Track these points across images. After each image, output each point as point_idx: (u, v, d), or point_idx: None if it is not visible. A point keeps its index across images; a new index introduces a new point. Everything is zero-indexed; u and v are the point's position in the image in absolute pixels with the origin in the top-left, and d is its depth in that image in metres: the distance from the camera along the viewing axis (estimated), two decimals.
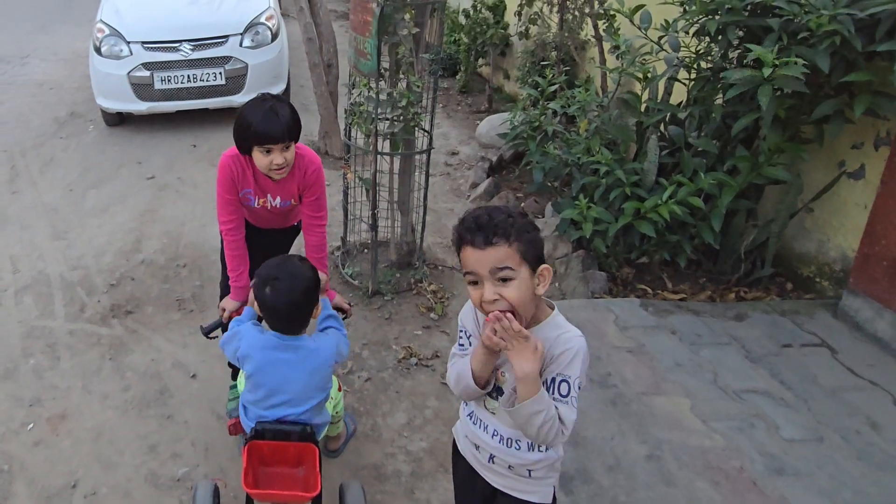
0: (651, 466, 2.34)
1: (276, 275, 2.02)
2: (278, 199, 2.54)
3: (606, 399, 2.64)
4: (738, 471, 2.31)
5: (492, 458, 1.62)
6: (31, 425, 2.87)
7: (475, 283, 1.44)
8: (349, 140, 3.65)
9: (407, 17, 3.07)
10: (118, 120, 6.24)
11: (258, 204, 2.54)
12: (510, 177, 4.99)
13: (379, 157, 3.40)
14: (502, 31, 6.35)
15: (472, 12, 6.47)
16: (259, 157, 2.33)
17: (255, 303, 2.12)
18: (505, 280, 1.40)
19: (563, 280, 3.52)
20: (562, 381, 1.47)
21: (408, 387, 3.00)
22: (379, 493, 2.47)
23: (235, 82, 5.90)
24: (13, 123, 6.31)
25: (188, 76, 5.77)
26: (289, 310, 2.03)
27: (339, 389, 2.52)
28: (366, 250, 3.89)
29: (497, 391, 1.59)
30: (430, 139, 3.55)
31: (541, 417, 1.43)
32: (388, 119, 3.29)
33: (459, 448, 1.74)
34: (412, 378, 3.04)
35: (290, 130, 2.31)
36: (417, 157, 3.59)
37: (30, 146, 5.80)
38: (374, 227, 3.48)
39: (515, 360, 1.42)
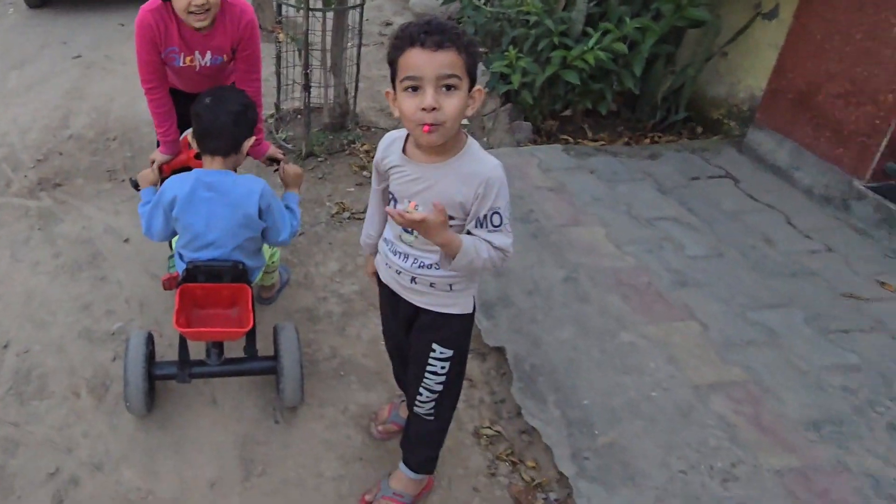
0: (567, 287, 2.57)
1: (213, 92, 2.09)
2: (208, 56, 2.37)
3: (528, 233, 2.86)
4: (647, 285, 2.57)
5: (413, 279, 1.66)
6: None
7: (414, 89, 1.39)
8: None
9: None
10: (40, 2, 6.08)
11: (184, 62, 2.38)
12: None
13: (312, 17, 3.40)
14: None
15: None
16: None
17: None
18: (449, 89, 1.38)
19: (491, 134, 3.71)
20: (493, 213, 1.51)
21: (340, 238, 3.15)
22: (312, 333, 2.62)
23: None
24: None
25: None
26: (220, 126, 2.05)
27: None
28: (299, 115, 3.97)
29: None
30: None
31: (477, 261, 1.50)
32: None
33: (382, 278, 1.78)
34: (345, 230, 3.19)
35: None
36: (350, 15, 3.61)
37: None
38: (306, 87, 3.55)
39: (428, 235, 1.46)
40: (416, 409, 1.81)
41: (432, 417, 1.80)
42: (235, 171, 2.17)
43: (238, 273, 2.12)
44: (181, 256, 2.18)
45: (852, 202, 2.96)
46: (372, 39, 5.13)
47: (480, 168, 1.50)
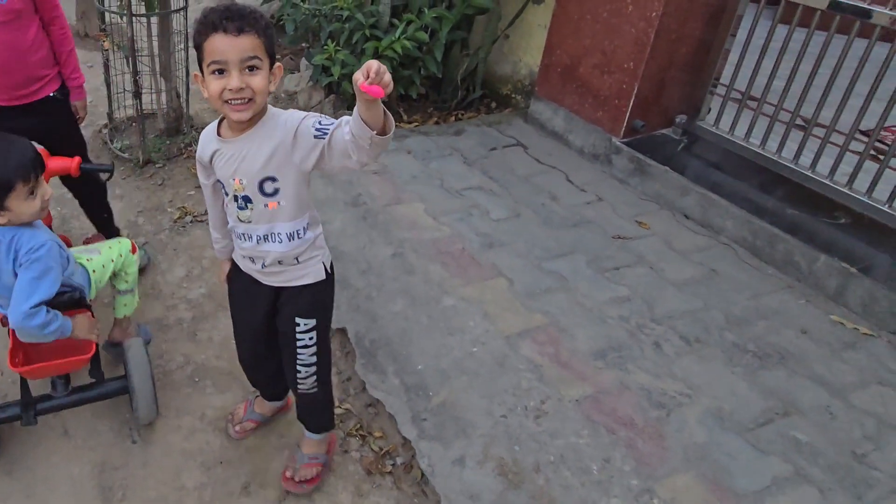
0: (395, 262, 2.46)
1: None
2: None
3: (358, 215, 2.69)
4: (461, 251, 2.51)
5: (264, 263, 1.53)
6: None
7: (220, 72, 1.31)
8: (103, 6, 3.10)
9: None
10: None
11: None
12: None
13: (136, 22, 2.94)
14: None
15: None
16: None
17: None
18: (252, 69, 1.31)
19: None
20: (316, 122, 1.35)
21: (185, 243, 2.78)
22: (164, 343, 2.28)
23: None
24: None
25: None
26: None
27: (134, 251, 2.08)
28: (133, 123, 3.45)
29: (245, 200, 1.46)
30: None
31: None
32: None
33: (242, 268, 1.60)
34: (188, 234, 2.83)
35: None
36: (176, 20, 3.15)
37: None
38: (137, 94, 3.07)
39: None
40: (299, 388, 1.67)
41: (316, 389, 1.68)
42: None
43: (74, 301, 1.78)
44: None
45: (613, 156, 3.05)
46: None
47: (283, 123, 1.38)
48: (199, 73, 1.37)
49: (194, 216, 2.93)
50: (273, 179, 1.41)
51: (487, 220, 2.68)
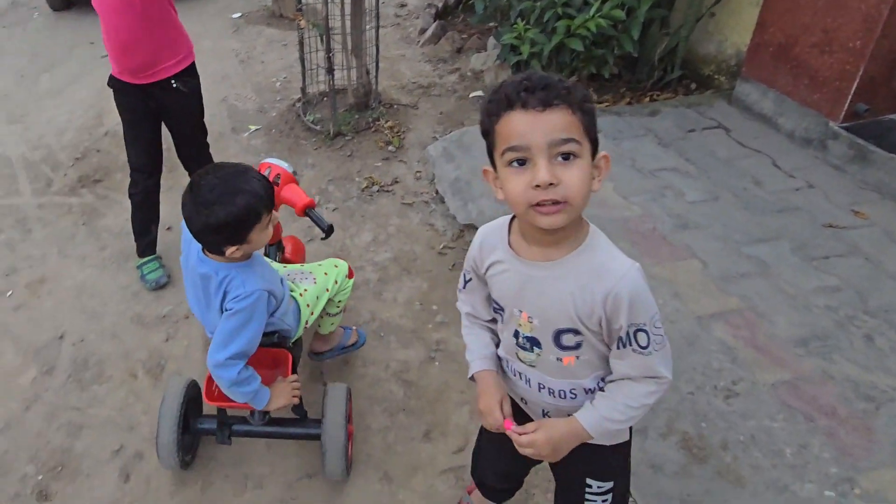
0: None
1: (200, 187, 1.64)
2: None
3: None
4: (652, 231, 2.82)
5: (545, 412, 1.37)
6: (10, 292, 3.02)
7: (521, 162, 1.09)
8: None
9: None
10: (64, 4, 6.20)
11: None
12: (455, 21, 5.24)
13: (331, 3, 3.55)
14: None
15: None
16: None
17: None
18: (567, 157, 1.07)
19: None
20: (636, 331, 1.16)
21: (371, 211, 3.34)
22: (352, 300, 2.74)
23: None
24: None
25: None
26: (196, 230, 1.69)
27: (351, 275, 2.30)
28: (325, 98, 4.19)
29: (531, 342, 1.28)
30: None
31: (617, 425, 1.22)
32: None
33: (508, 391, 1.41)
34: (375, 203, 3.40)
35: None
36: (367, 0, 3.75)
37: None
38: (330, 70, 3.74)
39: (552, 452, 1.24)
40: None
41: None
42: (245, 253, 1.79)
43: (272, 342, 1.96)
44: None
45: (829, 142, 3.20)
46: (389, 21, 5.32)
47: (606, 274, 1.15)
48: (490, 168, 1.18)
49: (380, 186, 3.53)
50: (576, 333, 1.22)
51: (682, 201, 2.97)
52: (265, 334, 1.86)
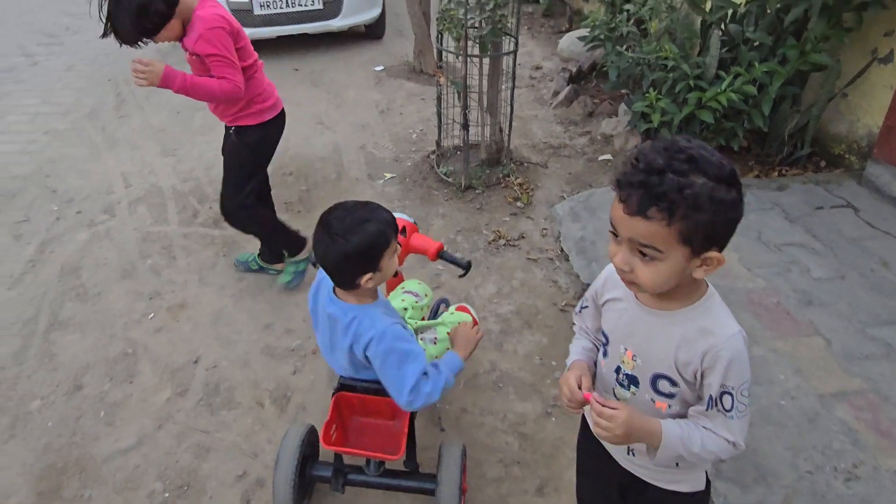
0: None
1: (328, 221, 1.80)
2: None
3: None
4: (776, 305, 3.00)
5: (631, 450, 1.50)
6: (153, 315, 3.33)
7: (615, 234, 1.22)
8: (441, 46, 4.19)
9: None
10: None
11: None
12: (588, 86, 5.64)
13: (469, 61, 3.92)
14: None
15: None
16: None
17: None
18: (645, 256, 1.19)
19: (612, 181, 4.20)
20: (724, 393, 1.28)
21: (497, 263, 3.60)
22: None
23: (332, 7, 6.55)
24: (116, 55, 7.07)
25: (287, 1, 6.41)
26: (329, 265, 1.83)
27: (475, 323, 2.44)
28: (458, 152, 4.63)
29: (630, 380, 1.42)
30: (516, 41, 4.08)
31: (687, 455, 1.31)
32: (476, 27, 3.79)
33: (592, 429, 1.43)
34: (501, 256, 3.67)
35: (127, 38, 2.64)
36: (504, 61, 4.13)
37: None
38: (465, 126, 4.13)
39: (623, 434, 1.30)
40: None
41: None
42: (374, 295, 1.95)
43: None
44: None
45: None
46: (523, 82, 5.78)
47: (712, 332, 1.27)
48: None
49: (507, 240, 3.86)
50: (673, 383, 1.35)
51: (807, 277, 3.14)
52: (376, 381, 1.97)
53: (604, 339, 1.45)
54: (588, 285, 3.32)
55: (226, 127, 3.16)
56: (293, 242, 3.48)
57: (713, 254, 1.18)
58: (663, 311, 1.32)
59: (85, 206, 4.43)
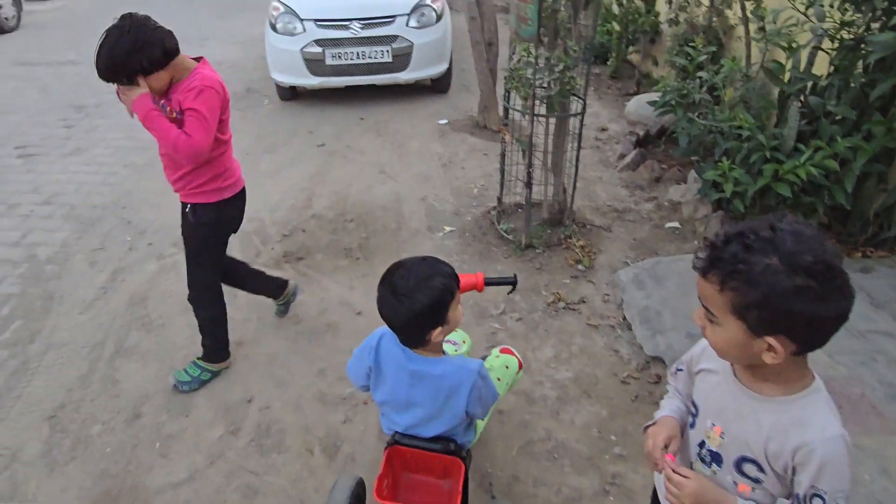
0: None
1: (392, 280, 1.82)
2: (162, 101, 2.68)
3: None
4: (860, 396, 2.78)
5: None
6: None
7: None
8: (508, 104, 4.18)
9: None
10: (291, 94, 7.24)
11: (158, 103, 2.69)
12: (656, 150, 5.53)
13: (535, 120, 3.90)
14: (653, 18, 6.86)
15: (624, 2, 7.06)
16: None
17: None
18: (710, 317, 1.24)
19: (703, 239, 4.03)
20: (814, 496, 1.21)
21: (556, 326, 3.50)
22: (528, 414, 2.89)
23: (401, 60, 6.71)
24: None
25: (357, 53, 6.62)
26: (399, 325, 1.85)
27: (521, 367, 2.49)
28: (519, 209, 4.57)
29: (713, 457, 1.36)
30: (584, 103, 4.03)
31: None
32: (544, 87, 3.76)
33: (660, 495, 1.46)
34: (560, 319, 3.57)
35: (107, 71, 2.52)
36: (571, 122, 4.10)
37: None
38: (528, 184, 4.08)
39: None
40: None
41: None
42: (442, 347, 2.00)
43: (448, 450, 2.01)
44: (383, 413, 2.10)
45: None
46: (588, 144, 5.70)
47: (807, 428, 1.22)
48: None
49: (567, 303, 3.74)
50: (760, 468, 1.29)
51: (895, 369, 2.89)
52: (440, 440, 1.99)
53: (693, 410, 1.42)
54: (653, 358, 3.22)
55: (182, 205, 2.96)
56: (219, 350, 3.27)
57: (771, 340, 1.15)
58: (758, 395, 1.27)
59: (156, 239, 4.59)
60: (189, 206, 2.90)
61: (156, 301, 3.89)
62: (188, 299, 3.15)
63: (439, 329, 1.83)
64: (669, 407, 1.53)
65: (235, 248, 4.39)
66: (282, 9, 6.82)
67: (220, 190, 2.91)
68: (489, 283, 2.35)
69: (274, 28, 6.83)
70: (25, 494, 2.66)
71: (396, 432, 2.02)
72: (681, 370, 1.55)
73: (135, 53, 2.51)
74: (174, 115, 2.67)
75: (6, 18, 10.77)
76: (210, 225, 2.95)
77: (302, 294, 3.82)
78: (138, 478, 2.71)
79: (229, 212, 2.99)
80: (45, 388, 3.23)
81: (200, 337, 3.22)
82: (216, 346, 3.23)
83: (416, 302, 1.76)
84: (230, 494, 2.60)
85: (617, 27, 7.22)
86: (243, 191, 3.05)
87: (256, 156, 5.87)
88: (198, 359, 3.24)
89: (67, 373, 3.32)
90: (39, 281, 4.14)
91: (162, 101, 2.70)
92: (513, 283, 2.42)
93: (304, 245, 4.41)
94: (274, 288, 3.52)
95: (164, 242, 4.54)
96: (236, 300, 3.80)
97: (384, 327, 1.93)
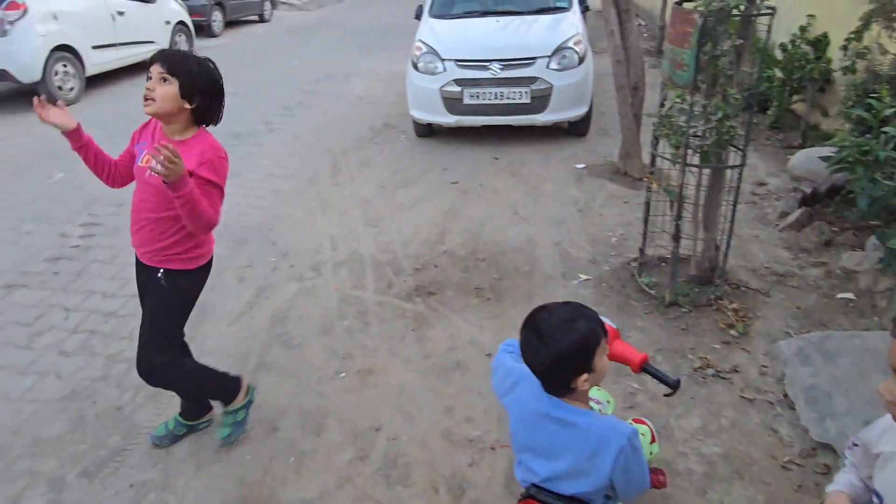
0: None
1: (535, 322, 1.77)
2: (141, 143, 2.56)
3: None
4: None
5: None
6: (344, 374, 3.47)
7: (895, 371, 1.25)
8: (656, 151, 3.95)
9: (730, 29, 3.30)
10: (427, 131, 7.30)
11: (143, 161, 2.53)
12: (825, 210, 4.97)
13: (687, 170, 3.65)
14: (824, 65, 6.25)
15: (789, 47, 6.50)
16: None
17: None
18: None
19: (884, 315, 3.53)
20: None
21: (703, 394, 3.19)
22: (671, 488, 2.64)
23: (540, 102, 6.58)
24: (336, 128, 7.78)
25: (496, 93, 6.57)
26: (541, 369, 1.79)
27: (654, 441, 2.39)
28: (663, 263, 4.24)
29: None
30: (744, 155, 3.73)
31: None
32: (698, 136, 3.50)
33: None
34: (707, 387, 3.23)
35: (168, 56, 2.43)
36: (727, 174, 3.78)
37: (349, 148, 7.08)
38: (676, 237, 3.79)
39: None
40: None
41: None
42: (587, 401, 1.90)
43: None
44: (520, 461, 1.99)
45: None
46: (744, 199, 5.25)
47: None
48: None
49: (717, 371, 3.38)
50: None
51: None
52: (577, 502, 1.84)
53: (877, 500, 1.33)
54: (820, 444, 2.79)
55: (146, 270, 2.68)
56: (227, 387, 3.00)
57: None
58: None
59: (297, 262, 4.75)
60: (162, 270, 2.64)
61: (295, 321, 4.00)
62: (144, 376, 2.75)
63: (585, 376, 1.75)
64: (843, 482, 1.48)
65: (369, 277, 4.45)
66: (424, 48, 6.92)
67: (201, 256, 2.74)
68: (647, 370, 2.17)
69: (415, 67, 6.93)
70: (175, 488, 2.84)
71: (533, 485, 1.89)
72: (857, 445, 1.46)
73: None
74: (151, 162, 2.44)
75: None
76: (185, 292, 2.74)
77: (432, 329, 3.81)
78: (273, 490, 2.80)
79: (200, 279, 2.78)
80: None
81: (226, 391, 3.01)
82: (221, 387, 2.99)
83: (560, 344, 1.71)
84: None
85: (779, 74, 6.64)
86: (212, 259, 2.84)
87: (391, 189, 5.96)
88: (224, 410, 3.02)
89: None
90: None
91: (141, 144, 2.57)
92: (674, 386, 2.19)
93: (435, 280, 4.38)
94: (227, 387, 3.09)
95: (304, 266, 4.68)
96: (368, 328, 3.88)
97: (522, 367, 1.88)
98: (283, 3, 19.27)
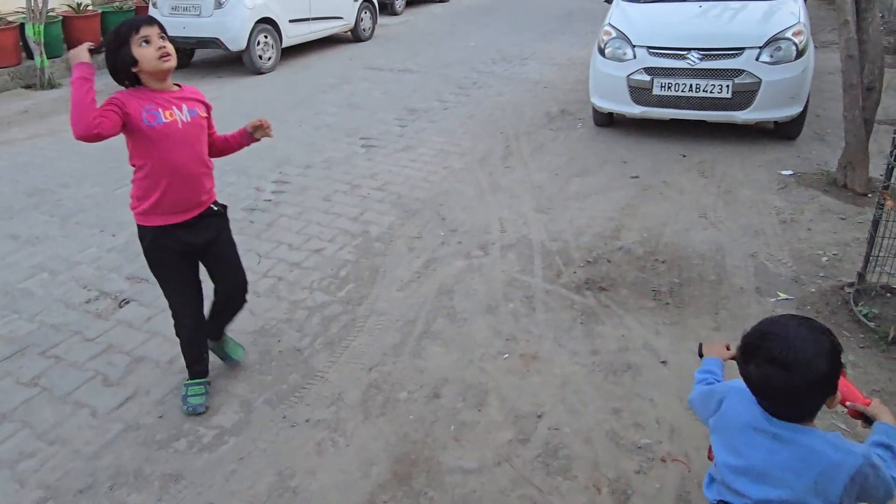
0: None
1: (774, 354, 1.57)
2: (185, 109, 2.62)
3: None
4: None
5: None
6: (507, 355, 3.41)
7: None
8: (894, 161, 3.45)
9: None
10: (607, 121, 6.86)
11: (166, 117, 2.55)
12: None
13: None
14: None
15: None
16: (144, 54, 2.46)
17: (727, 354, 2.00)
18: None
19: None
20: None
21: None
22: None
23: (743, 97, 5.90)
24: (510, 111, 7.59)
25: (690, 85, 5.99)
26: (792, 396, 1.59)
27: None
28: (888, 294, 3.66)
29: None
30: None
31: None
32: None
33: None
34: None
35: (154, 19, 2.58)
36: None
37: (523, 132, 6.86)
38: None
39: None
40: None
41: None
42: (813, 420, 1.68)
43: None
44: (712, 476, 1.86)
45: None
46: None
47: None
48: None
49: None
50: None
51: None
52: None
53: None
54: None
55: (198, 222, 2.83)
56: (189, 363, 3.15)
57: None
58: None
59: (465, 239, 4.74)
60: (215, 205, 2.91)
61: (460, 296, 4.01)
62: (245, 295, 3.23)
63: (831, 399, 1.61)
64: None
65: (538, 264, 4.32)
66: (613, 33, 6.48)
67: (141, 214, 2.75)
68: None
69: (602, 52, 6.52)
70: (345, 431, 2.98)
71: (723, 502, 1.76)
72: None
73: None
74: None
75: (364, 30, 12.17)
76: (146, 249, 2.84)
77: (601, 325, 3.66)
78: (433, 451, 2.85)
79: (159, 239, 2.79)
80: (367, 346, 3.57)
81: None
82: (187, 361, 3.16)
83: (812, 369, 1.53)
84: (513, 501, 2.60)
85: None
86: (171, 228, 2.77)
87: (565, 177, 5.73)
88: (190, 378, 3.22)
89: (384, 339, 3.62)
90: (369, 254, 4.56)
91: (147, 108, 2.56)
92: None
93: (608, 276, 4.14)
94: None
95: (472, 244, 4.65)
96: (534, 314, 3.77)
97: (724, 383, 1.79)
98: None
